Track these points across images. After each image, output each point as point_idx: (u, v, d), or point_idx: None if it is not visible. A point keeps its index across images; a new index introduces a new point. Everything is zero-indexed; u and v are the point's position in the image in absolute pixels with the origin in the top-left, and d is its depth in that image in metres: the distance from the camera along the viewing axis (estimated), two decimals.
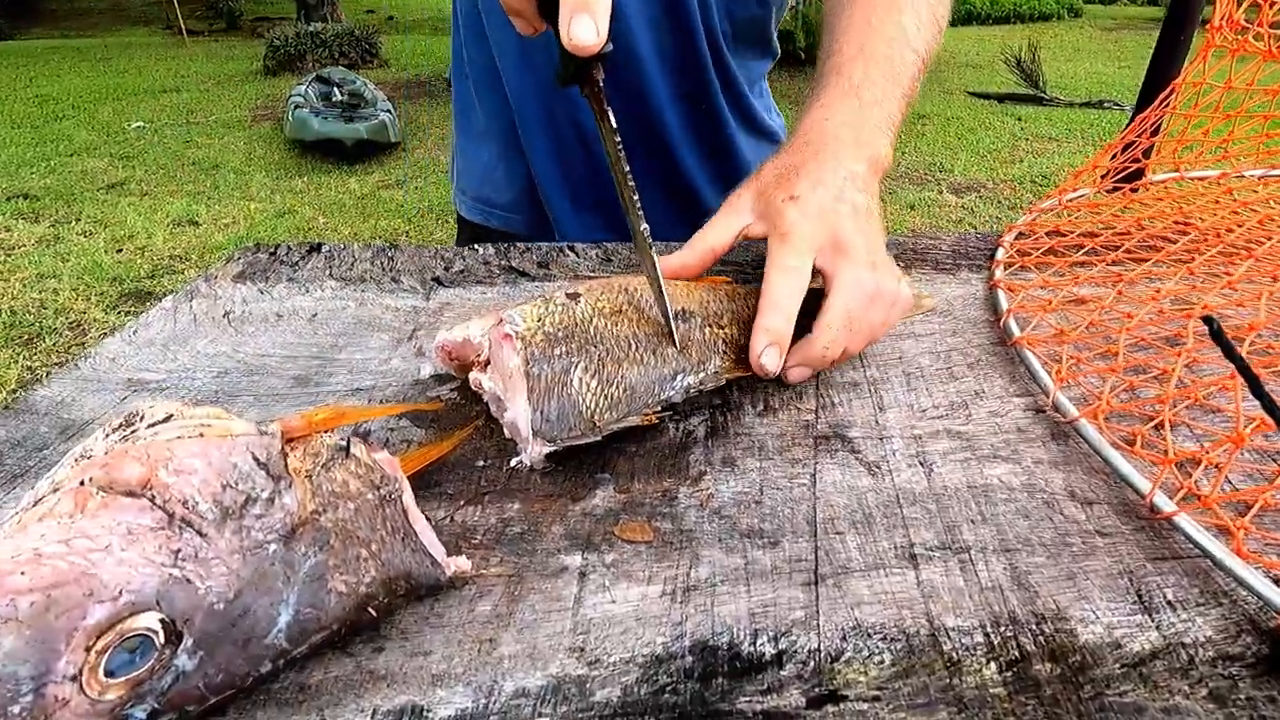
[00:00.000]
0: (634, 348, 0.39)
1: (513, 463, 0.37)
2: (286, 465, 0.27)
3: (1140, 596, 0.30)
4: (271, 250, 0.61)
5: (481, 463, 0.38)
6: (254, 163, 4.47)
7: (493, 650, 0.28)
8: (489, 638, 0.28)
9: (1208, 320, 0.34)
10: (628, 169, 0.41)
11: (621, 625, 0.29)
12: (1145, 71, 0.70)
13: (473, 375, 0.41)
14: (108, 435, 0.28)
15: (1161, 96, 0.63)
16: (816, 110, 0.49)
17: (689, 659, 0.27)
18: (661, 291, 0.41)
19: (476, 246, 0.61)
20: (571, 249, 0.61)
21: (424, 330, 0.50)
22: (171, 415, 0.28)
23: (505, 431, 0.39)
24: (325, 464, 0.29)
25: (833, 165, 0.45)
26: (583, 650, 0.28)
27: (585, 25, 0.35)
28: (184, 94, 6.19)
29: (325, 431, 0.32)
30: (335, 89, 5.04)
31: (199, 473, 0.26)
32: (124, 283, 2.94)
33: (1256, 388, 0.32)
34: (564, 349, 0.38)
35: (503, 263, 0.59)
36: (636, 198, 0.41)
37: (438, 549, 0.29)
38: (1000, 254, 0.57)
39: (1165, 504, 0.33)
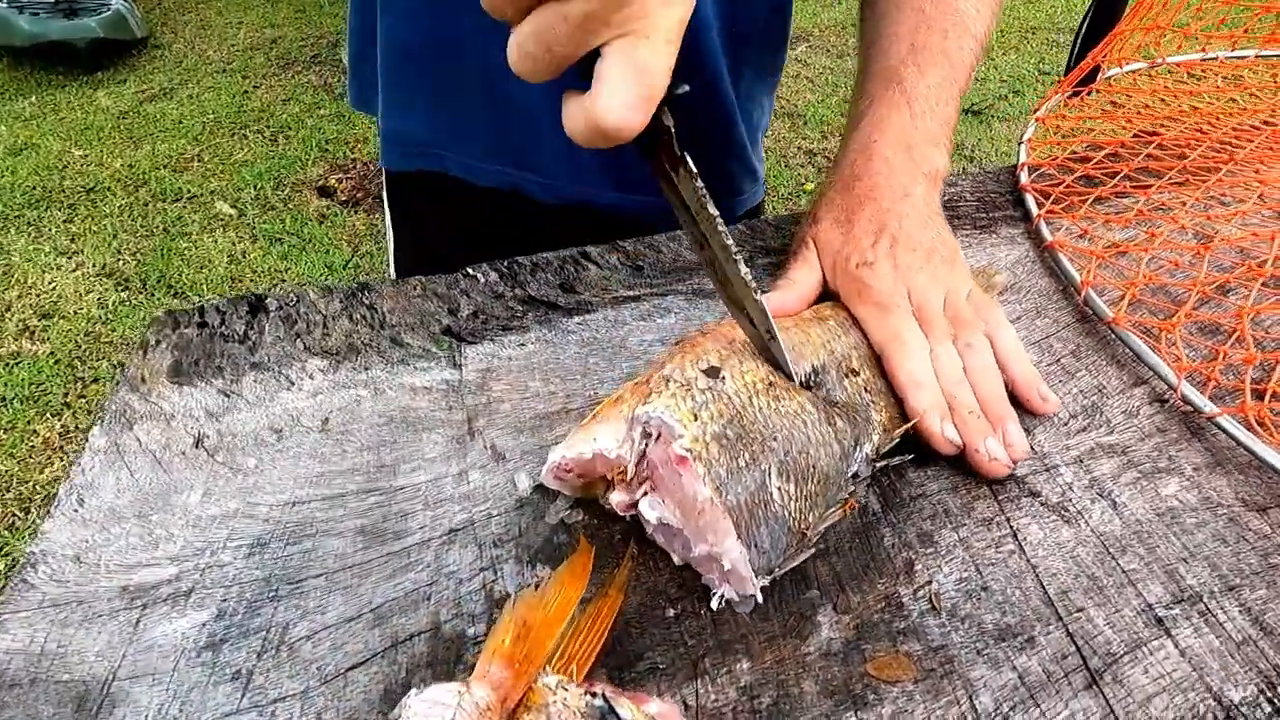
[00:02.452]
0: (807, 425, 0.34)
1: (714, 604, 0.32)
2: None
3: None
4: (198, 319, 0.46)
5: (671, 611, 0.32)
6: None
7: None
8: None
9: None
10: (715, 212, 0.33)
11: None
12: None
13: (615, 498, 0.34)
14: None
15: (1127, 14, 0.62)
16: (866, 128, 0.46)
17: None
18: (784, 355, 0.35)
19: (475, 273, 0.50)
20: (586, 257, 0.51)
21: (484, 419, 0.40)
22: None
23: (675, 559, 0.33)
24: None
25: (890, 202, 0.44)
26: None
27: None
28: None
29: (539, 671, 0.25)
30: None
31: None
32: None
33: None
34: (746, 455, 0.31)
35: (517, 292, 0.49)
36: (730, 242, 0.34)
37: None
38: (1031, 205, 0.55)
39: None
